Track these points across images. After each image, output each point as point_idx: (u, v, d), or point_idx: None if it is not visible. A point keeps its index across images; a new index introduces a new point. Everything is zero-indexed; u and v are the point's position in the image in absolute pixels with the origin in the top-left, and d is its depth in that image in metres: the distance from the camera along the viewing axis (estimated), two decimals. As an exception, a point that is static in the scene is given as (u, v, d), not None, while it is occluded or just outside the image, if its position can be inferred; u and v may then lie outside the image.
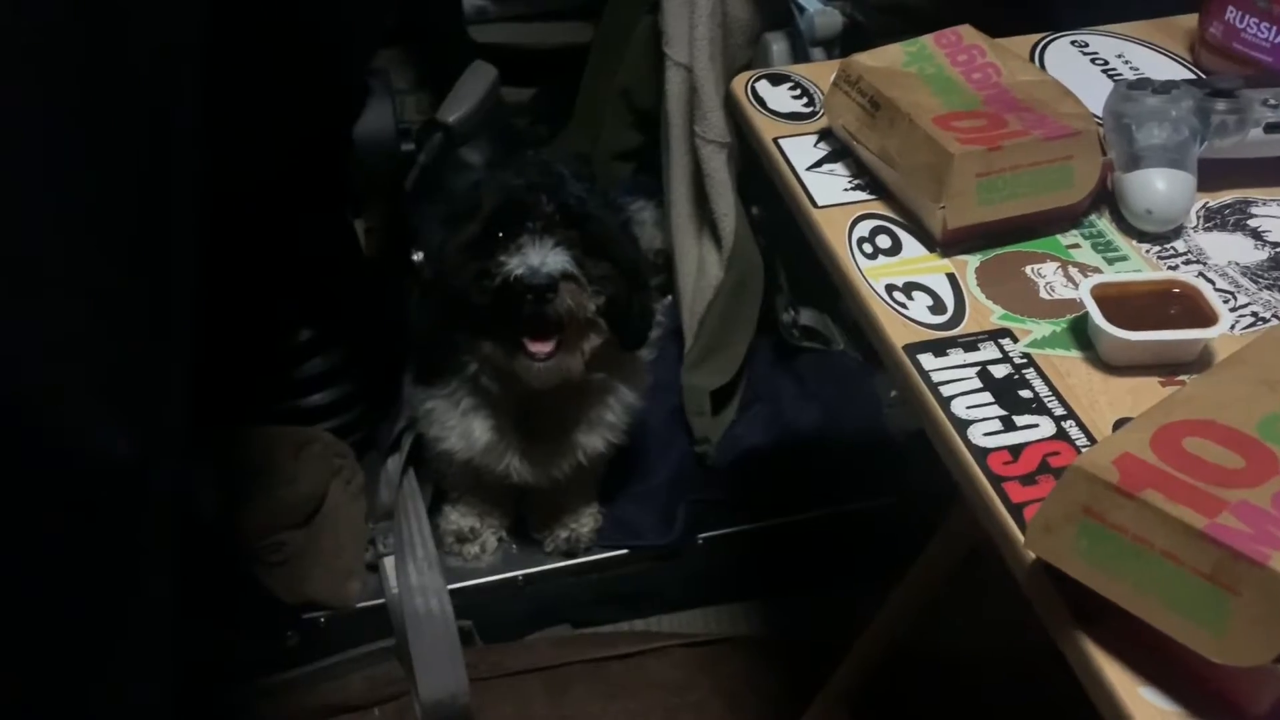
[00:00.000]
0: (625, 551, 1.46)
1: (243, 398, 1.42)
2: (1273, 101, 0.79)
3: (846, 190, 0.84)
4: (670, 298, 1.63)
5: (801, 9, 1.41)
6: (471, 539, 1.44)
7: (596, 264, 1.17)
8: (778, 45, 1.44)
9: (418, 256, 1.44)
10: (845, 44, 1.40)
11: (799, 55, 1.43)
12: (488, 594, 1.44)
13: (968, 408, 0.67)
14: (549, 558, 1.45)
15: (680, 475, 1.50)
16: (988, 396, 0.67)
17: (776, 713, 1.37)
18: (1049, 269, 0.77)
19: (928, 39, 0.88)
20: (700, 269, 1.54)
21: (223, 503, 1.36)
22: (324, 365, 1.44)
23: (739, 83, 0.96)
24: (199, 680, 1.33)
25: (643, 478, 1.50)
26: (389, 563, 1.40)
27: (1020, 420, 0.66)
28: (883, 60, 0.86)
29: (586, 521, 1.45)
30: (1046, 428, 0.65)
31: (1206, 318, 0.68)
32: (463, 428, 1.31)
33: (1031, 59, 0.97)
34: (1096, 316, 0.67)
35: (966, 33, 0.88)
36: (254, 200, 1.18)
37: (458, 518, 1.44)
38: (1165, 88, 0.80)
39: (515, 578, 1.44)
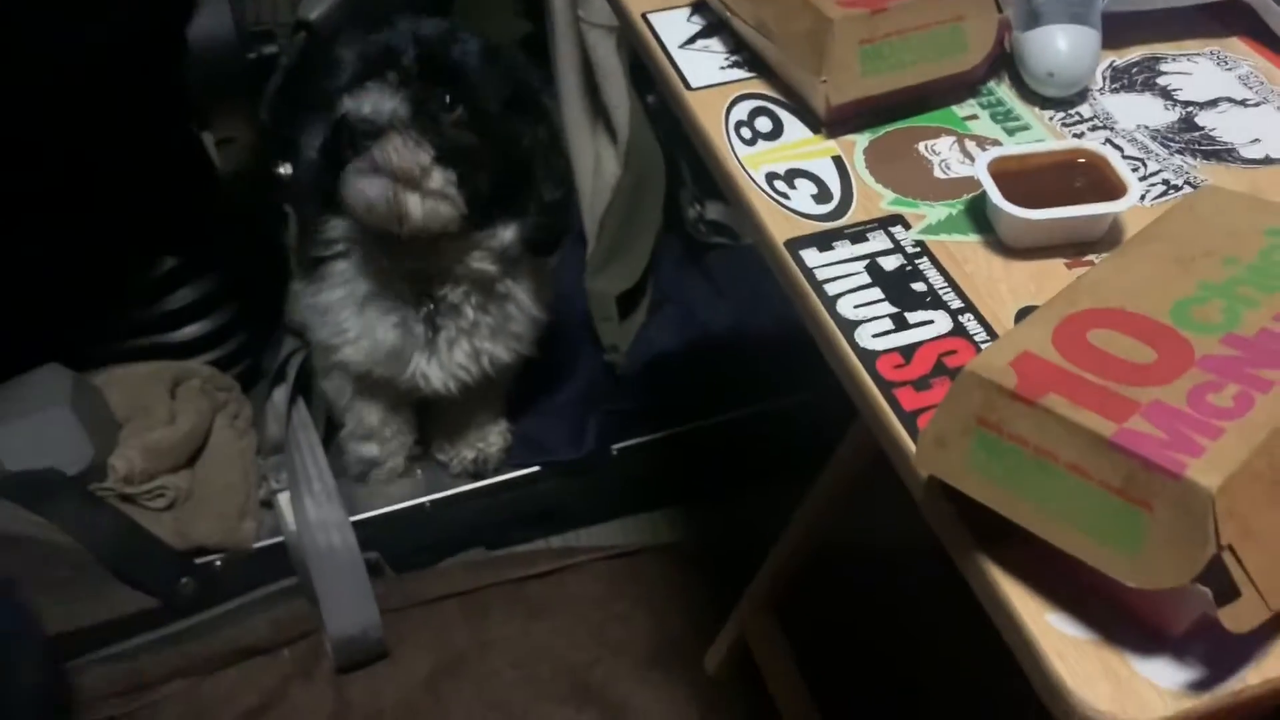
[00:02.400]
0: (536, 469, 1.41)
1: (108, 335, 1.32)
2: (1182, -57, 0.71)
3: (723, 69, 0.76)
4: (568, 198, 1.55)
5: None
6: (379, 464, 1.37)
7: (461, 132, 1.07)
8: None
9: (284, 169, 1.33)
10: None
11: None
12: (395, 523, 1.38)
13: (855, 306, 0.60)
14: (456, 480, 1.40)
15: (590, 385, 1.45)
16: (877, 293, 0.60)
17: (702, 619, 1.34)
18: (944, 145, 0.69)
19: (806, -107, 0.78)
20: (597, 167, 1.45)
21: (95, 451, 1.26)
22: (195, 294, 1.34)
23: (605, -46, 0.86)
24: (95, 633, 1.27)
25: (550, 390, 1.44)
26: (284, 499, 1.33)
27: (913, 317, 0.59)
28: (757, -80, 0.77)
29: (495, 440, 1.39)
30: (942, 323, 0.58)
31: (1114, 189, 0.61)
32: (362, 325, 1.21)
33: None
34: (994, 195, 0.60)
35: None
36: (85, 113, 1.05)
37: (357, 445, 1.36)
38: (1066, -67, 0.72)
39: (422, 504, 1.38)
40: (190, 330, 1.36)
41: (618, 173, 1.43)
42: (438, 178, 1.08)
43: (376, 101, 1.04)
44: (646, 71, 1.41)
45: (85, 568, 1.24)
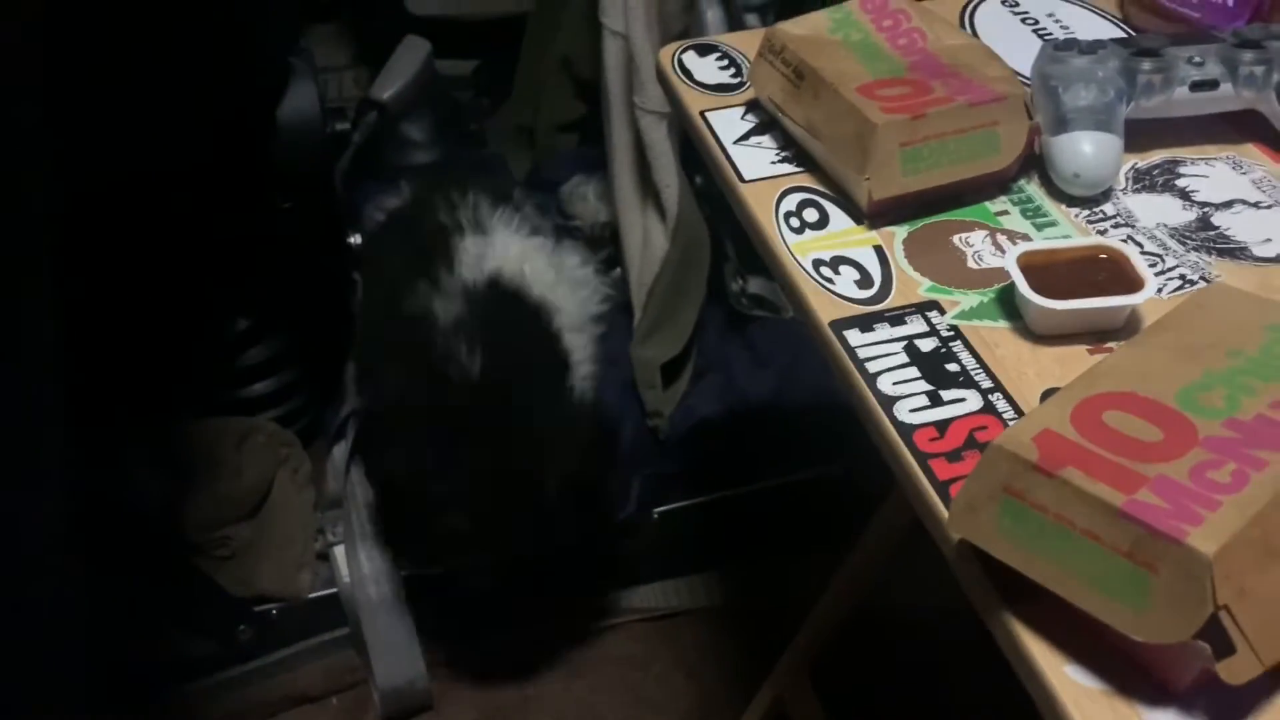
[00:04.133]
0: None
1: (182, 392, 1.40)
2: (1198, 59, 0.78)
3: (774, 163, 0.82)
4: (619, 270, 1.62)
5: (732, -27, 1.39)
6: None
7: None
8: (711, 11, 1.41)
9: (354, 239, 1.41)
10: (780, 9, 1.37)
11: (734, 22, 1.41)
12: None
13: (894, 384, 0.65)
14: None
15: (633, 450, 1.49)
16: (914, 371, 0.66)
17: (738, 682, 1.37)
18: (977, 237, 0.75)
19: (852, 4, 0.86)
20: (646, 241, 1.52)
21: (165, 500, 1.33)
22: (264, 354, 1.41)
23: (665, 55, 0.94)
24: (153, 679, 1.32)
25: (595, 454, 1.49)
26: (339, 551, 1.39)
27: (947, 395, 0.65)
28: (807, 27, 0.84)
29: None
30: (973, 402, 0.64)
31: (1133, 283, 0.67)
32: None
33: (961, 21, 0.95)
34: (1022, 286, 0.66)
35: (893, -4, 0.87)
36: (179, 188, 1.14)
37: None
38: (1092, 48, 0.79)
39: (470, 560, 1.43)
40: (258, 388, 1.43)
41: (665, 247, 1.49)
42: None
43: None
44: (695, 154, 1.49)
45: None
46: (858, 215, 0.77)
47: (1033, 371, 0.66)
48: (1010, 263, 0.68)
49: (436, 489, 1.19)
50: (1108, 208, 0.77)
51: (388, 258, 1.34)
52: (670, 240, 1.49)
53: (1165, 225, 0.75)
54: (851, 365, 0.67)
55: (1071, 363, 0.66)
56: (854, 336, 0.69)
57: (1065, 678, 0.52)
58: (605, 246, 1.62)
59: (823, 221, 0.77)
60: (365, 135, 1.46)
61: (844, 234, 0.76)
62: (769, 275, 1.65)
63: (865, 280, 0.72)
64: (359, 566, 1.36)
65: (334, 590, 1.38)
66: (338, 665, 1.38)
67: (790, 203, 0.79)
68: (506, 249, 1.31)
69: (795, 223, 0.77)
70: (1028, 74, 0.81)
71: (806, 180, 0.81)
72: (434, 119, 1.80)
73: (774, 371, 1.57)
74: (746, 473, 1.51)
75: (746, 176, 0.81)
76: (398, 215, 1.40)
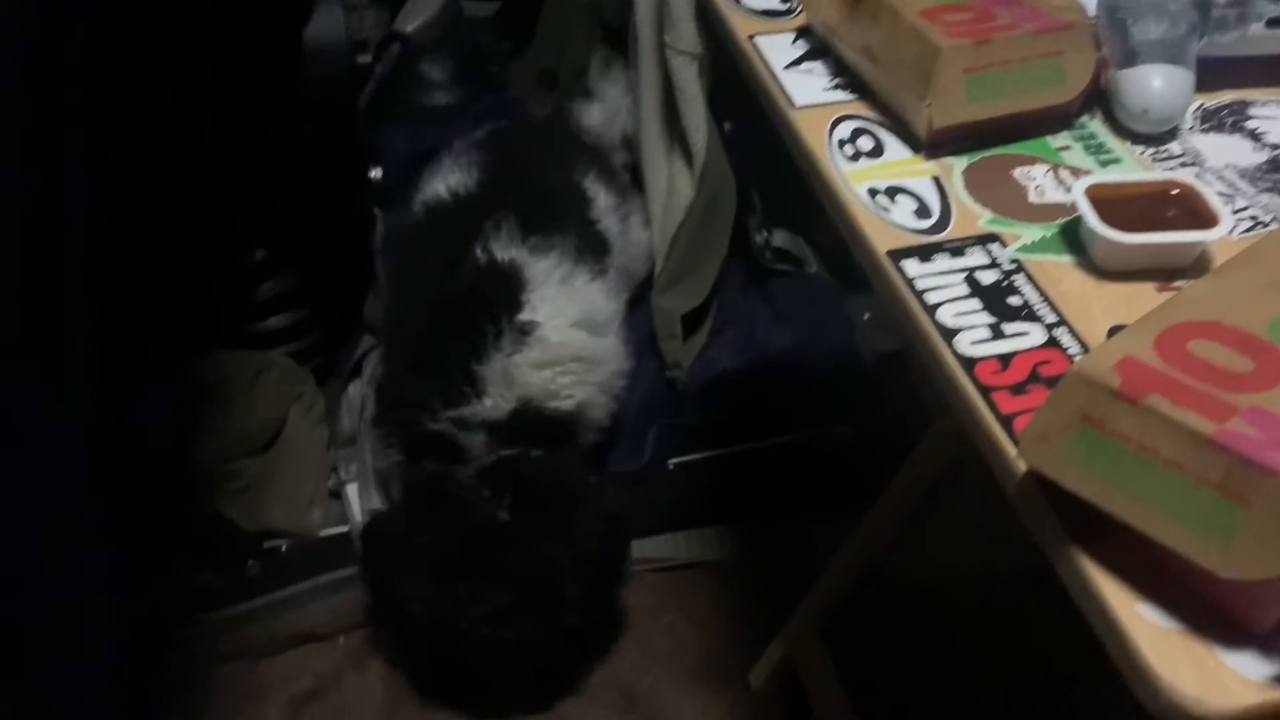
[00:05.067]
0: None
1: (196, 323, 1.37)
2: (1276, -6, 0.75)
3: (826, 90, 0.80)
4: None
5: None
6: None
7: None
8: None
9: (375, 173, 1.38)
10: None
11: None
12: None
13: (955, 315, 0.63)
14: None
15: (651, 400, 1.47)
16: (976, 303, 0.63)
17: (747, 636, 1.36)
18: (1039, 172, 0.73)
19: (912, -71, 0.82)
20: (671, 188, 1.49)
21: (177, 431, 1.31)
22: (280, 287, 1.39)
23: (711, -20, 0.90)
24: (158, 610, 1.30)
25: (613, 403, 1.47)
26: (352, 490, 1.37)
27: (1009, 328, 0.62)
28: (865, -48, 0.81)
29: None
30: (1037, 335, 0.62)
31: (1206, 220, 0.64)
32: None
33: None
34: (1091, 219, 0.63)
35: (953, -77, 0.83)
36: (201, 104, 1.11)
37: None
38: (1163, -20, 0.76)
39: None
40: (273, 322, 1.40)
41: (691, 194, 1.47)
42: None
43: None
44: (723, 99, 1.46)
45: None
46: (915, 144, 0.74)
47: (1098, 308, 0.63)
48: (1078, 194, 0.65)
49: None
50: (1174, 146, 0.74)
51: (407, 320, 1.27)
52: (696, 188, 1.46)
53: (1234, 166, 0.73)
54: (910, 295, 0.64)
55: (1138, 300, 0.63)
56: (912, 267, 0.66)
57: (1137, 616, 0.49)
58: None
59: (878, 150, 0.74)
60: (388, 68, 1.42)
61: (900, 164, 0.73)
62: (793, 228, 1.62)
63: (923, 210, 0.70)
64: (372, 505, 1.35)
65: (345, 529, 1.36)
66: (346, 605, 1.36)
67: (844, 130, 0.76)
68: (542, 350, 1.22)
69: (849, 151, 0.74)
70: (1094, 8, 0.78)
71: (861, 108, 0.78)
72: (455, 60, 1.76)
73: (794, 328, 1.55)
74: (763, 428, 1.49)
75: (798, 103, 0.78)
76: (419, 250, 1.32)
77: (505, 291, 1.20)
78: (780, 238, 1.60)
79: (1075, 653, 1.33)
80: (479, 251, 1.22)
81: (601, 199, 1.41)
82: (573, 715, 1.31)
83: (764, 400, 1.51)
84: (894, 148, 0.75)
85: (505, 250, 1.22)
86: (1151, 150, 0.74)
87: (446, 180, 1.34)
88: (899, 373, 1.47)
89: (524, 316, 1.19)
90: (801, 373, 1.53)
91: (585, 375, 1.22)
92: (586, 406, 1.23)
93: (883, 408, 1.44)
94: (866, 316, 1.57)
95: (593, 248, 1.33)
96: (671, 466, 1.46)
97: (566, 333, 1.21)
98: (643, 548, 1.49)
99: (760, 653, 1.31)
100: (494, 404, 1.16)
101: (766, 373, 1.51)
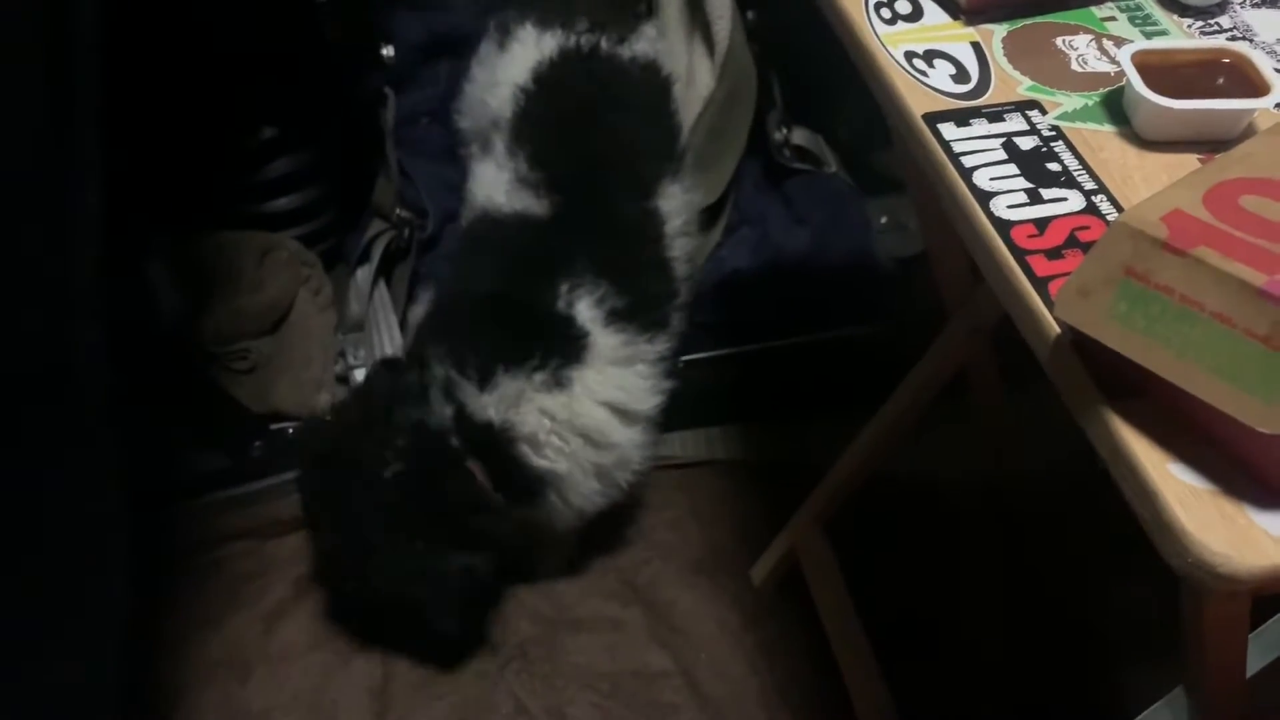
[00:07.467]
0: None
1: (204, 201, 1.34)
2: None
3: (863, -46, 0.76)
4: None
5: None
6: None
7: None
8: None
9: (388, 51, 1.35)
10: None
11: None
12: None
13: (991, 179, 0.61)
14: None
15: (662, 295, 1.45)
16: (1013, 169, 0.62)
17: (751, 534, 1.36)
18: (1081, 41, 0.70)
19: None
20: (690, 78, 1.46)
21: (184, 309, 1.30)
22: (289, 166, 1.36)
23: None
24: (162, 490, 1.30)
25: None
26: (359, 375, 1.36)
27: (1047, 194, 0.60)
28: None
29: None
30: (1075, 201, 0.60)
31: (1256, 89, 0.62)
32: None
33: None
34: (1137, 83, 0.61)
35: None
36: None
37: None
38: None
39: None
40: (282, 202, 1.38)
41: (711, 85, 1.43)
42: None
43: None
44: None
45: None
46: (953, 10, 0.72)
47: (1139, 176, 0.62)
48: (1125, 59, 0.62)
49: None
50: (1224, 20, 0.72)
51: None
52: (717, 79, 1.42)
53: (1286, 41, 0.70)
54: (946, 158, 0.62)
55: (1180, 171, 0.61)
56: (949, 130, 0.64)
57: (1168, 475, 0.48)
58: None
59: (916, 14, 0.72)
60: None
61: (939, 28, 0.71)
62: (814, 126, 1.59)
63: (961, 75, 0.67)
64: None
65: (352, 414, 1.35)
66: (351, 490, 1.36)
67: (881, -6, 0.73)
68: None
69: (886, 13, 0.71)
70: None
71: (899, -28, 0.75)
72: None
73: (810, 229, 1.52)
74: (775, 328, 1.48)
75: (833, -35, 0.75)
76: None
77: (568, 344, 1.15)
78: (800, 135, 1.56)
79: (1070, 555, 1.34)
80: (561, 298, 1.15)
81: (673, 219, 1.28)
82: (573, 605, 1.32)
83: (777, 301, 1.49)
84: (933, 12, 0.72)
85: (584, 310, 1.15)
86: (1200, 23, 0.72)
87: (501, 176, 1.22)
88: (915, 278, 1.45)
89: (569, 371, 1.14)
90: (816, 274, 1.50)
91: (583, 452, 1.17)
92: (561, 480, 1.16)
93: (897, 312, 1.42)
94: (884, 219, 1.54)
95: (658, 323, 1.24)
96: (681, 364, 1.44)
97: (591, 407, 1.16)
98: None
99: (763, 551, 1.32)
100: (483, 403, 1.12)
101: (780, 273, 1.49)
